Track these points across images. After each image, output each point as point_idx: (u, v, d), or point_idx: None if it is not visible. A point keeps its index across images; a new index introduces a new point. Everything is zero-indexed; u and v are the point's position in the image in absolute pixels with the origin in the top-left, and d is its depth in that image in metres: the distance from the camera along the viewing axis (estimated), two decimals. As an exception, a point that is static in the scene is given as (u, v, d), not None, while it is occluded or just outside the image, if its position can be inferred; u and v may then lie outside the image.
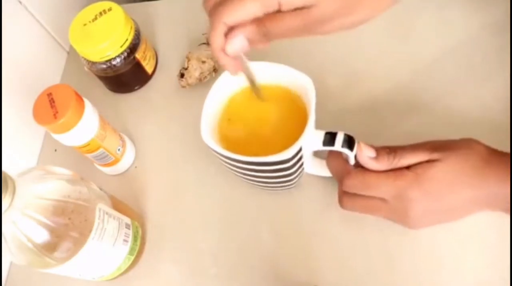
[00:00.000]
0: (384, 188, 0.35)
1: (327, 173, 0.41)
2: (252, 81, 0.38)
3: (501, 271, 0.38)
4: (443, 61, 0.49)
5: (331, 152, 0.39)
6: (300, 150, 0.36)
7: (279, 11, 0.30)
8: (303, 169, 0.40)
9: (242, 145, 0.39)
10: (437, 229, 0.40)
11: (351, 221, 0.41)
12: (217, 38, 0.32)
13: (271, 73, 0.39)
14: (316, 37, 0.32)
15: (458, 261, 0.39)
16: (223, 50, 0.32)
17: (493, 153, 0.35)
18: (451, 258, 0.39)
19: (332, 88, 0.49)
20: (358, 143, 0.36)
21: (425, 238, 0.40)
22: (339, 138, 0.36)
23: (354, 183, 0.37)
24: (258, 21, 0.31)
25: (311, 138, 0.36)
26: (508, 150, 0.41)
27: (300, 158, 0.37)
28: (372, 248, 0.41)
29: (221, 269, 0.43)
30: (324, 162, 0.41)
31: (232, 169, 0.39)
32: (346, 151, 0.36)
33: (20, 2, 0.52)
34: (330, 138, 0.36)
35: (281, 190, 0.44)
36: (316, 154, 0.42)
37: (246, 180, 0.41)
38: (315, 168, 0.42)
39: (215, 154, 0.37)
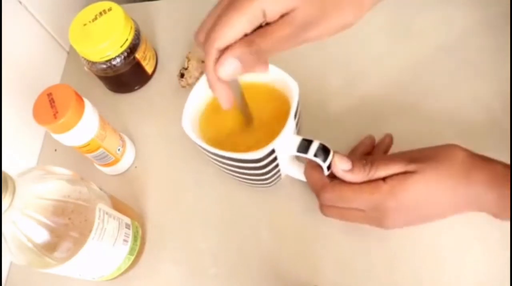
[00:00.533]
0: (360, 201, 0.35)
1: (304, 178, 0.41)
2: (244, 110, 0.38)
3: (501, 271, 0.38)
4: (443, 60, 0.49)
5: (309, 162, 0.39)
6: (272, 152, 0.36)
7: (266, 25, 0.30)
8: (279, 170, 0.40)
9: (226, 141, 0.39)
10: (437, 229, 0.40)
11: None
12: (212, 67, 0.31)
13: (260, 73, 0.39)
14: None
15: (458, 261, 0.39)
16: (218, 77, 0.31)
17: (475, 158, 0.35)
18: (451, 258, 0.39)
19: (333, 88, 0.49)
20: (334, 155, 0.36)
21: (425, 238, 0.40)
22: (313, 147, 0.36)
23: (330, 197, 0.37)
24: (248, 40, 0.30)
25: (286, 143, 0.36)
26: (508, 150, 0.41)
27: (274, 160, 0.37)
28: (372, 248, 0.41)
29: (221, 269, 0.43)
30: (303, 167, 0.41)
31: (215, 163, 0.40)
32: (318, 160, 0.36)
33: (20, 2, 0.52)
34: (305, 145, 0.36)
35: (259, 187, 0.44)
36: (301, 158, 0.42)
37: (229, 174, 0.42)
38: (295, 172, 0.42)
39: (197, 146, 0.38)
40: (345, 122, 0.47)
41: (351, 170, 0.36)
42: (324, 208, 0.39)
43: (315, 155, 0.36)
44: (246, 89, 0.40)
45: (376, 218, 0.36)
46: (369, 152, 0.43)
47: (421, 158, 0.35)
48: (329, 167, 0.37)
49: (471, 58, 0.48)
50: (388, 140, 0.43)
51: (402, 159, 0.35)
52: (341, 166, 0.36)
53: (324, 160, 0.36)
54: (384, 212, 0.35)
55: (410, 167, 0.34)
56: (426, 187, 0.34)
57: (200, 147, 0.37)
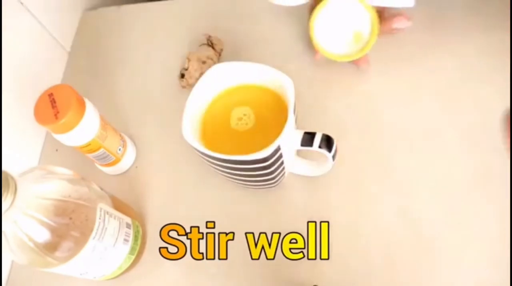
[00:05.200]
0: None
1: (310, 172, 0.41)
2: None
3: (501, 270, 0.38)
4: (443, 61, 0.49)
5: None
6: (278, 148, 0.36)
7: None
8: (284, 168, 0.40)
9: (226, 144, 0.39)
10: (437, 229, 0.40)
11: (351, 220, 0.41)
12: None
13: (255, 74, 0.39)
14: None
15: (458, 260, 0.39)
16: None
17: None
18: (451, 257, 0.39)
19: (334, 89, 0.49)
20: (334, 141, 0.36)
21: (425, 237, 0.40)
22: (317, 139, 0.36)
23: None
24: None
25: (290, 138, 0.37)
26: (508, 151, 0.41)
27: (280, 157, 0.37)
28: (372, 248, 0.41)
29: (221, 269, 0.43)
30: (307, 162, 0.41)
31: (216, 168, 0.40)
32: (323, 151, 0.36)
33: (21, 3, 0.52)
34: (308, 138, 0.37)
35: (264, 188, 0.44)
36: (302, 154, 0.42)
37: (230, 179, 0.42)
38: (299, 167, 0.42)
39: (197, 152, 0.37)
40: (345, 122, 0.47)
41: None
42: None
43: (320, 147, 0.36)
44: (242, 91, 0.40)
45: None
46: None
47: None
48: (334, 157, 0.37)
49: (471, 59, 0.48)
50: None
51: None
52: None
53: (329, 150, 0.36)
54: None
55: None
56: None
57: (202, 153, 0.37)
